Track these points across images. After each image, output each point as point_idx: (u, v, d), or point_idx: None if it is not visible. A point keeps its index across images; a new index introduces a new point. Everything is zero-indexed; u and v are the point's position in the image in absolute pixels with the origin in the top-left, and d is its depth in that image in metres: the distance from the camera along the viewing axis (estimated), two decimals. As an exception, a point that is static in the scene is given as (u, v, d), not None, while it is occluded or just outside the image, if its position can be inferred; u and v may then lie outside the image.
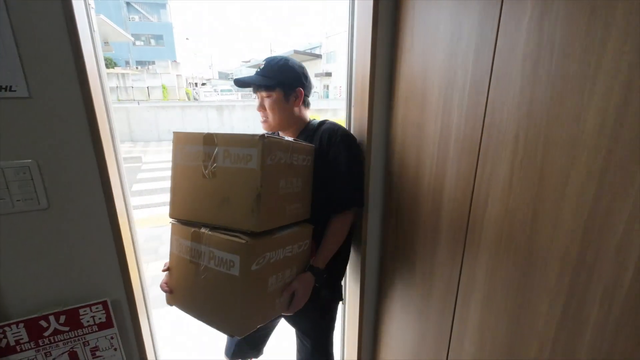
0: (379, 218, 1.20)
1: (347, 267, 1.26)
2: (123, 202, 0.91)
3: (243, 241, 0.76)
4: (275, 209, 0.83)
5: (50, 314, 0.82)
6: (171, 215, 0.90)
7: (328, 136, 1.02)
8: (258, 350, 1.26)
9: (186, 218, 0.87)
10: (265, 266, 0.82)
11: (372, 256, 1.24)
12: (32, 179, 0.75)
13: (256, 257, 0.79)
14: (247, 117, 13.52)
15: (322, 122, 1.08)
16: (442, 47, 0.84)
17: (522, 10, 0.63)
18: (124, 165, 0.98)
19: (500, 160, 0.71)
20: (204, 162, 0.82)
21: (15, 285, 0.80)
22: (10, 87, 0.70)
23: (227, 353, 1.24)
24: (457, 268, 0.86)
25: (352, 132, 1.16)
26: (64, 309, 0.83)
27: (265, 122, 1.06)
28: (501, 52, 0.68)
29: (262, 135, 0.76)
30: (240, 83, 1.02)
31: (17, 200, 0.75)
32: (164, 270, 0.94)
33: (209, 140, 0.81)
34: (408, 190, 1.03)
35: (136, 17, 36.32)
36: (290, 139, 0.94)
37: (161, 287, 0.93)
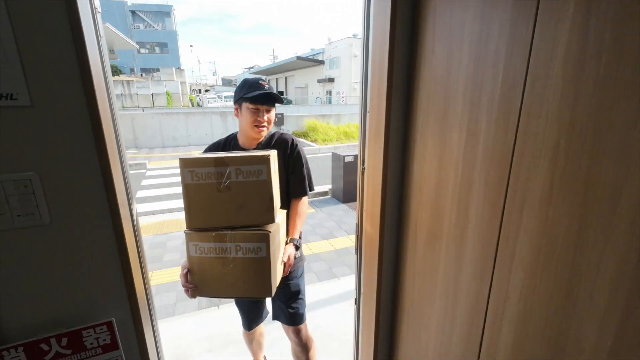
0: (395, 227, 1.14)
1: (362, 273, 1.32)
2: (129, 214, 0.86)
3: (267, 232, 1.04)
4: (276, 205, 1.12)
5: (52, 337, 0.76)
6: (189, 227, 1.06)
7: (291, 143, 1.38)
8: (262, 316, 1.67)
9: (205, 226, 1.05)
10: (276, 245, 1.12)
11: (388, 272, 1.18)
12: (33, 193, 0.70)
13: (273, 240, 1.07)
14: (250, 123, 13.53)
15: (274, 132, 1.41)
16: (467, 48, 0.79)
17: (562, 8, 0.58)
18: (129, 173, 0.93)
19: (538, 169, 0.65)
20: (217, 179, 1.01)
21: (14, 305, 0.74)
22: (11, 95, 0.65)
23: (248, 327, 1.63)
24: (487, 284, 0.80)
25: (367, 138, 1.12)
26: (66, 330, 0.77)
27: (264, 129, 1.31)
28: (538, 53, 0.63)
29: (267, 156, 1.03)
30: (270, 98, 1.25)
31: (18, 216, 0.70)
32: (183, 275, 1.10)
33: (220, 162, 1.01)
34: (428, 199, 0.97)
35: (141, 26, 36.82)
36: (268, 152, 1.12)
37: (184, 286, 1.11)
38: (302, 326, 1.53)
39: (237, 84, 1.45)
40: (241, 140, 1.37)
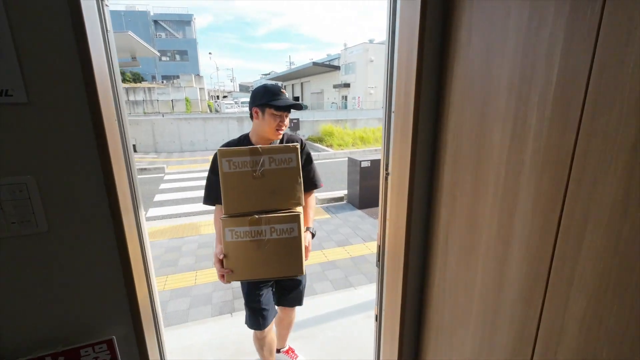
0: (422, 238, 1.03)
1: (384, 287, 1.25)
2: (134, 221, 0.79)
3: (298, 213, 1.17)
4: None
5: (48, 355, 0.70)
6: (227, 212, 1.13)
7: (301, 142, 1.46)
8: (274, 310, 1.66)
9: (241, 211, 1.13)
10: (303, 227, 1.21)
11: (413, 288, 1.07)
12: (29, 198, 0.64)
13: (301, 221, 1.18)
14: (266, 128, 13.66)
15: (284, 133, 1.46)
16: (513, 38, 0.68)
17: (643, -22, 0.48)
18: (137, 178, 0.87)
19: (607, 175, 0.54)
20: (252, 167, 1.12)
21: (8, 320, 0.69)
22: (6, 91, 0.60)
23: (263, 324, 1.55)
24: (536, 311, 0.68)
25: (391, 140, 1.02)
26: (64, 349, 0.71)
27: (282, 131, 1.39)
28: (608, 35, 0.52)
29: (296, 146, 1.19)
30: (293, 106, 1.36)
31: (13, 223, 0.64)
32: (219, 261, 1.18)
33: (255, 152, 1.12)
34: (462, 208, 0.86)
35: (163, 34, 38.10)
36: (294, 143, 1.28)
37: (220, 272, 1.19)
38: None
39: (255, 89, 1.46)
40: (254, 140, 1.43)
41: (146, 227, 0.89)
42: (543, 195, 0.65)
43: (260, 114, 1.36)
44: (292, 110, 1.39)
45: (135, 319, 0.76)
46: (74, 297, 0.72)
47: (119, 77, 0.83)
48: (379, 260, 1.23)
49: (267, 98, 1.33)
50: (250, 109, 1.41)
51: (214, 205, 1.41)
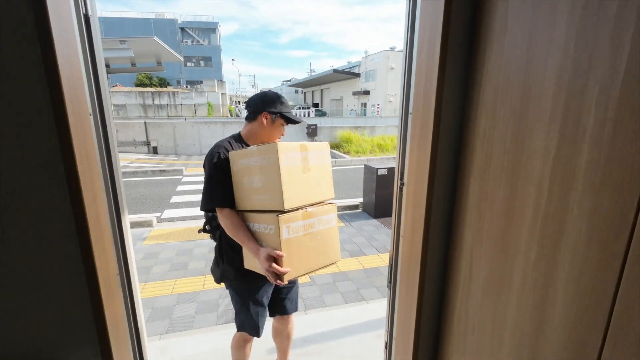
0: (440, 260, 0.89)
1: (395, 312, 1.12)
2: (109, 231, 0.70)
3: (335, 204, 1.27)
4: None
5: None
6: (287, 208, 1.10)
7: None
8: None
9: (297, 205, 1.13)
10: None
11: (429, 316, 0.93)
12: (-17, 200, 0.56)
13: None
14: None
15: None
16: (564, 20, 0.55)
17: None
18: (122, 181, 0.78)
19: None
20: (302, 162, 1.15)
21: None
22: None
23: (260, 332, 1.48)
24: (589, 367, 0.53)
25: (407, 146, 0.89)
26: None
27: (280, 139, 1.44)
28: None
29: (327, 144, 1.30)
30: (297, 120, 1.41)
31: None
32: (273, 265, 1.10)
33: (304, 147, 1.16)
34: (492, 229, 0.72)
35: (189, 41, 39.46)
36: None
37: (279, 271, 1.09)
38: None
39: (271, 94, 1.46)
40: (251, 143, 1.41)
41: (130, 234, 0.79)
42: (602, 219, 0.50)
43: (270, 120, 1.37)
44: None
45: (103, 342, 0.66)
46: (29, 319, 0.62)
47: (103, 77, 0.74)
48: (390, 282, 1.09)
49: (282, 108, 1.37)
50: (257, 112, 1.36)
51: (227, 207, 1.25)
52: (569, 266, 0.55)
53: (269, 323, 1.66)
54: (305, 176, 1.17)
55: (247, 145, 1.39)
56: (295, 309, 1.61)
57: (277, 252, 1.09)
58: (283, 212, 1.09)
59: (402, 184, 0.93)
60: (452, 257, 0.85)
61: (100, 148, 0.67)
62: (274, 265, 1.09)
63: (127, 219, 0.76)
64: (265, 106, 1.36)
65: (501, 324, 0.70)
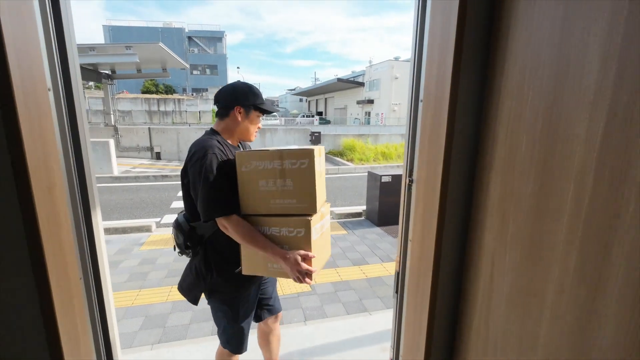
0: (455, 267, 0.78)
1: (403, 324, 1.05)
2: (73, 237, 0.60)
3: (329, 202, 1.32)
4: None
5: None
6: (314, 212, 1.13)
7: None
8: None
9: (319, 206, 1.16)
10: None
11: (442, 332, 0.82)
12: None
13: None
14: (288, 139, 13.68)
15: None
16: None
17: None
18: (92, 170, 0.69)
19: None
20: (320, 166, 1.16)
21: None
22: None
23: (245, 346, 1.43)
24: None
25: (417, 139, 0.80)
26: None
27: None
28: None
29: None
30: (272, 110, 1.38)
31: None
32: (304, 268, 1.11)
33: (319, 152, 1.17)
34: (518, 233, 0.62)
35: (195, 50, 40.04)
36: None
37: (308, 272, 1.11)
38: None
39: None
40: (230, 141, 1.36)
41: (101, 233, 0.70)
42: (669, 217, 0.40)
43: (244, 114, 1.30)
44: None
45: (54, 354, 0.56)
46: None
47: (72, 48, 0.66)
48: (396, 291, 0.98)
49: (254, 99, 1.30)
50: (228, 107, 1.26)
51: (235, 214, 1.14)
52: (622, 278, 0.45)
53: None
54: (322, 179, 1.22)
55: (230, 144, 1.28)
56: (280, 307, 1.63)
57: (309, 253, 1.13)
58: (311, 214, 1.14)
59: (410, 181, 0.83)
60: (469, 264, 0.75)
61: (62, 129, 0.58)
62: (302, 268, 1.11)
63: (99, 215, 0.67)
64: (236, 100, 1.27)
65: (531, 344, 0.59)
